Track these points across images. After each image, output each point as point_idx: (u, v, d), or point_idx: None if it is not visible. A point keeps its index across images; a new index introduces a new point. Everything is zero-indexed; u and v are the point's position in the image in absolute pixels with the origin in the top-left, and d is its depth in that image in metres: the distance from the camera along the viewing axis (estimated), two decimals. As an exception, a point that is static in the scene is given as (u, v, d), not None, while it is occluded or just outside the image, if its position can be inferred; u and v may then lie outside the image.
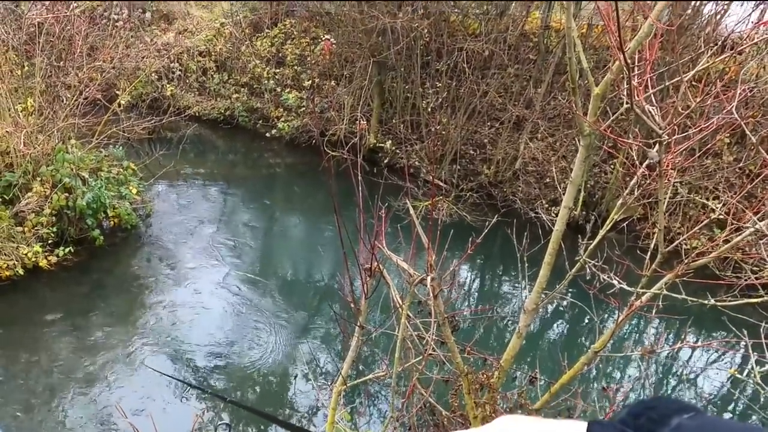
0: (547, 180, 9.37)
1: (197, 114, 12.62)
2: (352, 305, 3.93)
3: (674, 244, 3.52)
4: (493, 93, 10.56)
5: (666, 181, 3.65)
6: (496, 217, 4.88)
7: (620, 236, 8.03)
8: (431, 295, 3.56)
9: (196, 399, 5.86)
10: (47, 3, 9.21)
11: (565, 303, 7.86)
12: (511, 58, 10.62)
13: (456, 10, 11.07)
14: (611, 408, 4.28)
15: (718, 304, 2.88)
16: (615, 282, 3.17)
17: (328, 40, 11.43)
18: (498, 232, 7.88)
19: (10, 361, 6.08)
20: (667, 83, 3.49)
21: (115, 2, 11.95)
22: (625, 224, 8.21)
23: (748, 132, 2.92)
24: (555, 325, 8.27)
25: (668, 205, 8.10)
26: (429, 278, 3.62)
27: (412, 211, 4.12)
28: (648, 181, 3.67)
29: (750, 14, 7.49)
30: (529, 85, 10.30)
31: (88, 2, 9.03)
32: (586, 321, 7.98)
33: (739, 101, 3.93)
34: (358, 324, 3.93)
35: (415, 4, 10.44)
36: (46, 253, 7.51)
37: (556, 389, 3.98)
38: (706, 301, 2.88)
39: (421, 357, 3.99)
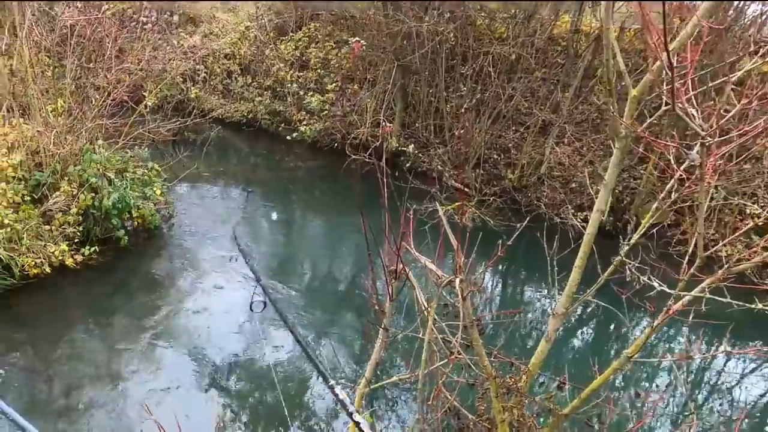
0: (573, 185, 9.20)
1: (221, 116, 12.73)
2: (377, 307, 3.88)
3: (713, 249, 3.39)
4: (519, 97, 10.43)
5: (706, 184, 3.52)
6: (526, 220, 4.79)
7: (649, 242, 7.85)
8: (460, 297, 3.48)
9: (218, 397, 5.84)
10: (80, 5, 9.36)
11: (592, 308, 7.69)
12: (538, 62, 10.49)
13: (483, 14, 10.98)
14: (646, 414, 4.15)
15: (766, 308, 2.75)
16: (656, 284, 3.06)
17: (358, 41, 11.44)
18: (522, 237, 7.72)
19: (37, 358, 6.14)
20: (709, 85, 3.37)
21: (145, 5, 12.13)
22: (654, 230, 8.04)
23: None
24: (583, 330, 8.10)
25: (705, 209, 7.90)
26: (458, 280, 3.55)
27: (441, 212, 4.05)
28: (686, 185, 3.54)
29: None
30: (557, 90, 10.16)
31: (119, 4, 9.14)
32: (614, 326, 7.80)
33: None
34: (383, 326, 3.88)
35: (442, 7, 10.37)
36: (72, 252, 7.59)
37: (587, 394, 3.87)
38: (753, 306, 2.76)
39: (446, 360, 3.92)
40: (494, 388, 3.70)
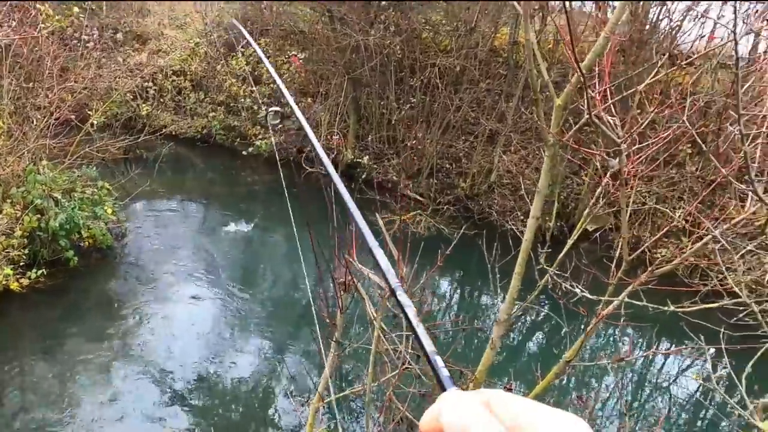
0: (522, 192, 9.52)
1: (174, 133, 12.58)
2: (328, 320, 3.94)
3: (638, 252, 3.61)
4: (466, 107, 10.73)
5: (628, 189, 3.76)
6: (462, 228, 4.96)
7: (593, 246, 8.19)
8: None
9: (178, 419, 5.79)
10: (14, 24, 9.14)
11: (542, 314, 7.95)
12: (482, 73, 10.83)
13: (427, 27, 11.27)
14: (583, 417, 4.32)
15: (678, 310, 2.97)
16: (577, 290, 3.25)
17: (295, 55, 11.59)
18: (476, 245, 7.96)
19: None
20: (624, 93, 3.61)
21: (85, 23, 11.90)
22: (597, 234, 8.39)
23: (699, 141, 3.05)
24: (533, 336, 8.35)
25: (637, 214, 8.27)
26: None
27: (381, 224, 4.16)
28: (611, 191, 3.77)
29: (703, 30, 7.81)
30: (501, 100, 10.50)
31: (56, 24, 8.96)
32: (558, 332, 8.08)
33: (693, 112, 4.08)
34: (334, 339, 3.94)
35: (388, 20, 10.60)
36: (18, 276, 7.37)
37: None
38: (666, 308, 2.97)
39: (397, 371, 4.00)
40: (440, 396, 3.80)
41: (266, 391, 6.29)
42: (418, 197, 10.44)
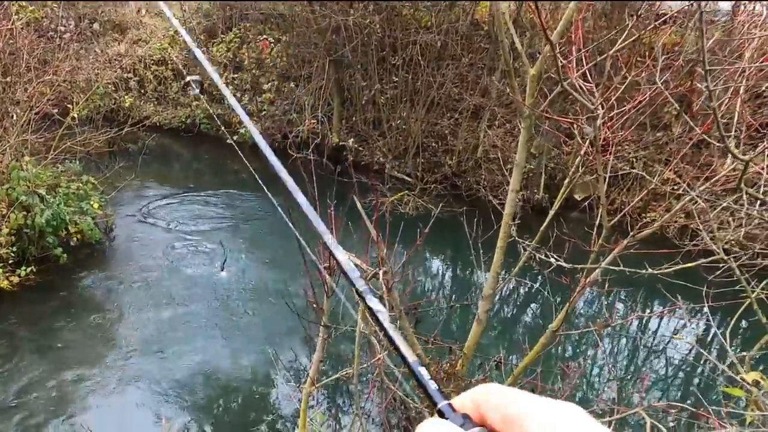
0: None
1: (158, 124, 12.46)
2: (315, 305, 3.94)
3: (618, 217, 3.62)
4: (449, 84, 10.66)
5: (606, 156, 3.75)
6: (440, 206, 4.96)
7: (582, 215, 8.20)
8: (384, 288, 3.60)
9: (172, 408, 5.82)
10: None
11: (532, 287, 8.00)
12: (464, 48, 10.73)
13: (407, 4, 11.14)
14: (568, 386, 4.37)
15: (656, 272, 2.98)
16: (552, 260, 3.26)
17: (266, 39, 11.47)
18: (466, 223, 7.99)
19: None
20: (598, 59, 3.58)
21: (60, 14, 11.72)
22: (586, 203, 8.38)
23: (673, 102, 3.03)
24: (522, 309, 8.40)
25: (625, 180, 8.27)
26: (381, 272, 3.65)
27: (360, 206, 4.15)
28: (589, 158, 3.76)
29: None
30: (484, 74, 10.43)
31: (30, 15, 8.81)
32: (545, 303, 8.15)
33: (673, 71, 4.06)
34: (322, 323, 3.96)
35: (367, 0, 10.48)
36: (8, 274, 7.35)
37: (519, 372, 4.07)
38: (643, 271, 2.98)
39: (385, 352, 4.02)
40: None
41: (260, 378, 6.33)
42: (405, 177, 10.42)
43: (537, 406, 0.41)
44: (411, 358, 0.48)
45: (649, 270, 2.94)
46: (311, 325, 4.13)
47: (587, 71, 3.38)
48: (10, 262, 7.47)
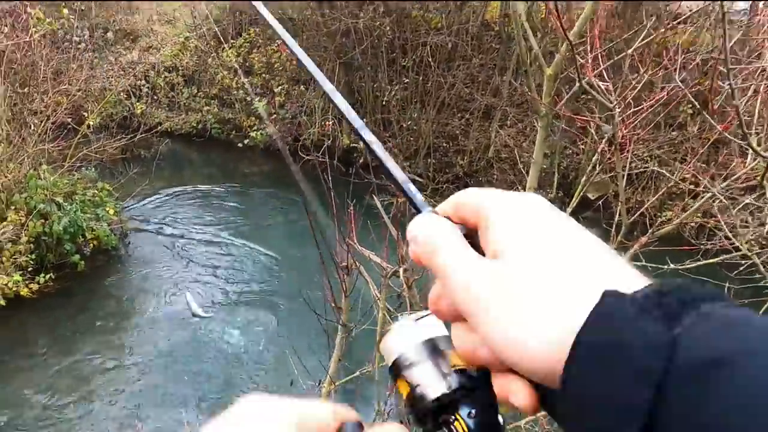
0: (521, 165, 9.50)
1: (169, 129, 12.56)
2: (333, 304, 3.97)
3: (636, 214, 3.62)
4: (460, 84, 10.67)
5: (624, 154, 3.76)
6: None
7: (596, 214, 8.16)
8: (405, 286, 3.62)
9: (191, 409, 5.88)
10: (5, 30, 9.11)
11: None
12: (474, 49, 10.74)
13: (417, 5, 11.17)
14: None
15: (679, 267, 2.99)
16: None
17: (283, 42, 11.51)
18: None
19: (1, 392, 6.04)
20: (615, 58, 3.60)
21: (75, 24, 11.85)
22: (600, 203, 8.35)
23: (692, 100, 3.03)
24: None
25: (640, 179, 8.22)
26: (401, 270, 3.69)
27: (379, 205, 4.17)
28: (609, 157, 3.76)
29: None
30: (495, 74, 10.42)
31: (48, 27, 8.96)
32: None
33: (689, 70, 4.05)
34: (341, 322, 3.98)
35: (376, 2, 10.52)
36: (27, 281, 7.45)
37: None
38: (665, 267, 2.98)
39: None
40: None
41: (279, 378, 6.37)
42: (417, 178, 10.43)
43: (502, 197, 0.43)
44: (400, 176, 0.51)
45: (671, 266, 2.94)
46: (329, 324, 4.15)
47: (604, 70, 3.39)
48: (29, 269, 7.58)
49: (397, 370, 0.49)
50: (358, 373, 4.62)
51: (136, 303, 7.68)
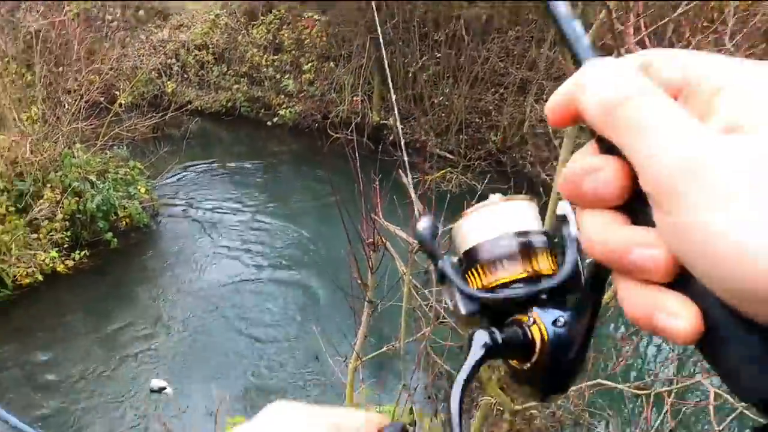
0: (556, 141, 9.16)
1: (199, 108, 12.61)
2: (359, 281, 3.89)
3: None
4: (494, 58, 10.31)
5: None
6: (485, 181, 4.78)
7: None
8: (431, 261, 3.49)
9: (223, 382, 5.92)
10: (42, 9, 9.21)
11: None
12: (510, 21, 10.34)
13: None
14: (622, 361, 4.17)
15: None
16: None
17: (311, 17, 11.36)
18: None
19: (35, 366, 6.19)
20: (659, 23, 3.31)
21: (108, 3, 11.93)
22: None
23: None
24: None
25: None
26: None
27: (405, 180, 4.04)
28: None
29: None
30: (532, 46, 10.03)
31: (81, 4, 9.03)
32: None
33: (741, 35, 3.72)
34: (367, 299, 3.90)
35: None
36: (63, 258, 7.60)
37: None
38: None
39: (430, 326, 3.94)
40: (476, 347, 3.71)
41: (306, 353, 6.35)
42: (448, 155, 10.19)
43: (723, 59, 0.31)
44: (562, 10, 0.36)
45: None
46: (356, 300, 4.09)
47: (646, 37, 3.13)
48: (65, 246, 7.72)
49: (472, 258, 0.43)
50: (384, 348, 4.54)
51: (168, 279, 7.76)
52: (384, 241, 3.66)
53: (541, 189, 5.39)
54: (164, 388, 4.13)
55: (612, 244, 0.31)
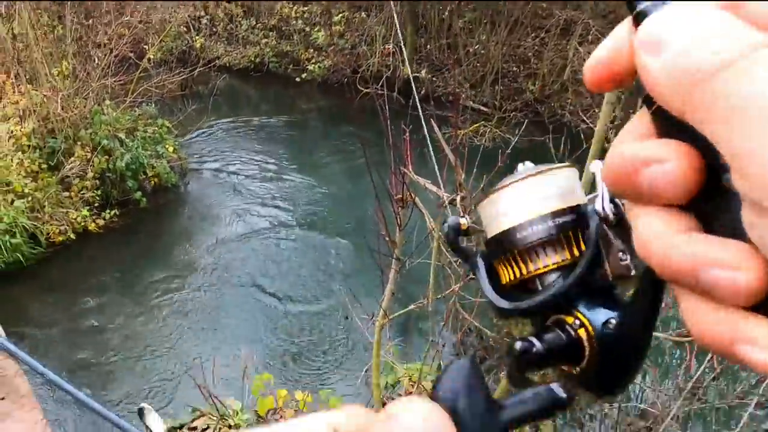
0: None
1: (228, 64, 12.37)
2: (387, 238, 3.76)
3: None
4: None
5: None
6: (518, 134, 4.44)
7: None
8: (462, 213, 3.29)
9: (253, 339, 5.90)
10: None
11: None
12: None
13: None
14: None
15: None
16: None
17: None
18: (552, 145, 7.36)
19: (67, 323, 6.27)
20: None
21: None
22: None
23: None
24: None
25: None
26: (459, 197, 3.37)
27: (437, 130, 3.83)
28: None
29: None
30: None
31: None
32: None
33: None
34: (395, 256, 3.75)
35: None
36: (94, 216, 7.62)
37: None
38: None
39: (460, 282, 3.83)
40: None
41: (333, 311, 6.26)
42: (482, 107, 9.70)
43: None
44: None
45: None
46: (383, 258, 3.97)
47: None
48: (96, 205, 7.73)
49: (504, 245, 0.39)
50: (413, 306, 4.40)
51: (196, 238, 7.71)
52: (413, 196, 3.55)
53: (583, 139, 4.99)
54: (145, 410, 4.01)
55: (678, 257, 0.25)
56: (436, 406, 0.28)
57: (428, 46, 10.82)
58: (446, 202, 3.39)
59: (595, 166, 0.37)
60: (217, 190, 8.77)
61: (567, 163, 0.40)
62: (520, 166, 0.41)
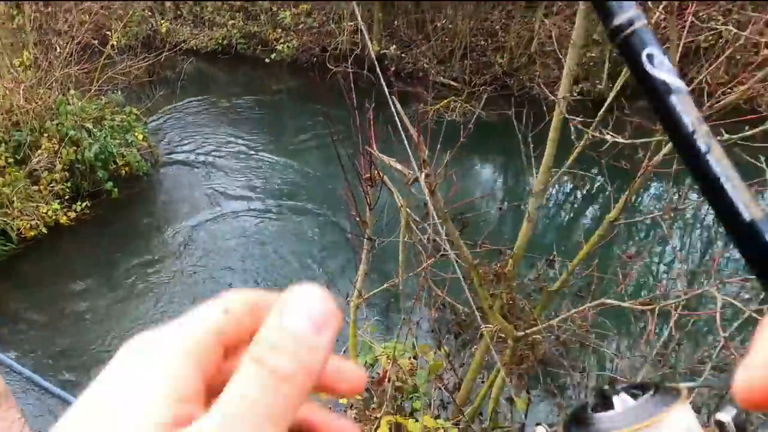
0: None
1: (195, 48, 12.15)
2: (357, 219, 3.77)
3: (693, 84, 3.04)
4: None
5: (683, 21, 3.14)
6: (486, 107, 4.49)
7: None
8: (428, 192, 3.33)
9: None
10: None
11: (583, 179, 7.43)
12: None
13: None
14: (630, 274, 4.00)
15: (734, 137, 2.43)
16: (608, 137, 2.79)
17: None
18: (516, 119, 7.46)
19: (45, 317, 6.24)
20: None
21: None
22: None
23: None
24: (575, 204, 7.91)
25: (707, 54, 7.28)
26: (422, 175, 3.39)
27: (398, 106, 3.81)
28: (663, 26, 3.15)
29: None
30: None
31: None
32: (600, 194, 7.58)
33: None
34: (366, 236, 3.77)
35: None
36: (65, 209, 7.52)
37: (574, 266, 3.71)
38: (719, 138, 2.44)
39: (432, 258, 3.85)
40: (477, 277, 3.56)
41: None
42: (452, 82, 9.73)
43: None
44: None
45: (726, 135, 2.37)
46: (356, 238, 3.99)
47: None
48: (66, 198, 7.63)
49: None
50: (386, 285, 4.46)
51: (171, 227, 7.67)
52: (381, 175, 3.53)
53: (546, 111, 5.07)
54: None
55: None
56: (326, 290, 0.29)
57: (396, 22, 10.76)
58: (410, 180, 3.43)
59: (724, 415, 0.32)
60: (190, 175, 8.71)
61: (671, 392, 0.31)
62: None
